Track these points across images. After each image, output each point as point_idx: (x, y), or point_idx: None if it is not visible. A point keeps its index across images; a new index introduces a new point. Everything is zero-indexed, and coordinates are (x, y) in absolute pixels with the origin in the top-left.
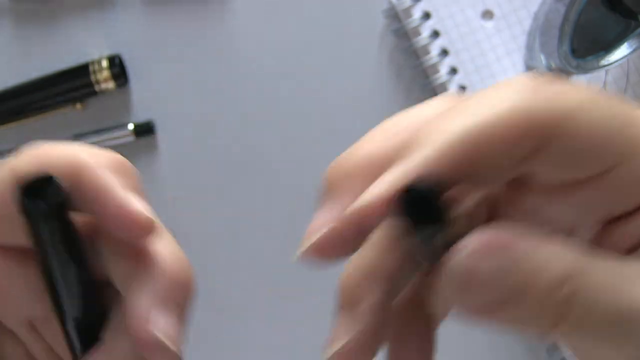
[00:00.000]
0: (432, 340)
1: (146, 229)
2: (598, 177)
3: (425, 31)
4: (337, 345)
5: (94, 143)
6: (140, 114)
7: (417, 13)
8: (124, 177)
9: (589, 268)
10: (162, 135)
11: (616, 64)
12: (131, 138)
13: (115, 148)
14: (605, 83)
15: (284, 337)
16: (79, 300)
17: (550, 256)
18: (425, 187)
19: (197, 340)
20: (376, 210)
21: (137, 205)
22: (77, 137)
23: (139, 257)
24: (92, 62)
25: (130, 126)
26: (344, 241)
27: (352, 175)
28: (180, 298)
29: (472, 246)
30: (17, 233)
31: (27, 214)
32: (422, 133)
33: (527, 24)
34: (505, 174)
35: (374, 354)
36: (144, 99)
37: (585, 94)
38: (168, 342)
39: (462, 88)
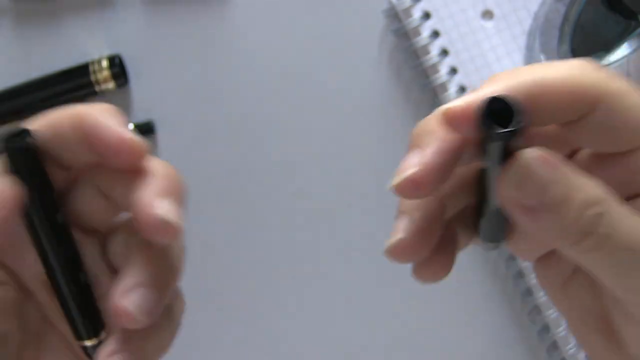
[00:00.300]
0: (454, 260)
1: (142, 151)
2: (628, 155)
3: (425, 31)
4: (407, 173)
5: None
6: (140, 114)
7: (417, 13)
8: (116, 117)
9: (616, 200)
10: (162, 135)
11: (616, 64)
12: None
13: None
14: None
15: (283, 337)
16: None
17: (587, 183)
18: (506, 98)
19: (197, 340)
20: (464, 114)
21: (132, 134)
22: None
23: (137, 174)
24: (92, 62)
25: (130, 126)
26: (437, 170)
27: (434, 129)
28: (176, 191)
29: (533, 154)
30: None
31: (7, 151)
32: (502, 74)
33: (527, 24)
34: (557, 122)
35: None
36: (144, 99)
37: (627, 84)
38: (172, 219)
39: (462, 88)
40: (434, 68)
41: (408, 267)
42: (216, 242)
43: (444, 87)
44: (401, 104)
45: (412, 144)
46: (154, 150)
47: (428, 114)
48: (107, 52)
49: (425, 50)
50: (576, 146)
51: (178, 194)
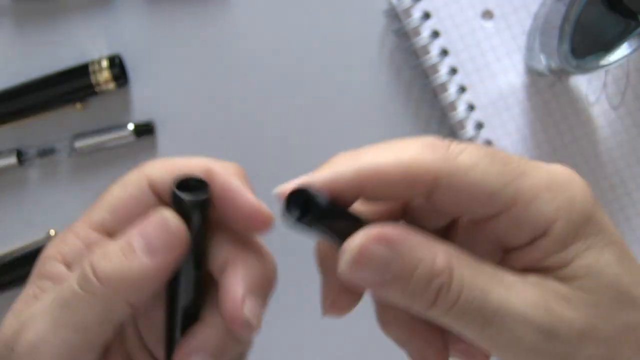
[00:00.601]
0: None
1: (269, 224)
2: (494, 218)
3: (425, 31)
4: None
5: (94, 143)
6: (140, 114)
7: (417, 13)
8: (245, 181)
9: (462, 266)
10: (162, 135)
11: (616, 64)
12: (131, 138)
13: (115, 148)
14: (605, 83)
15: (283, 337)
16: (191, 288)
17: (433, 253)
18: (309, 191)
19: None
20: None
21: (263, 205)
22: (77, 137)
23: (245, 247)
24: (92, 62)
25: (130, 126)
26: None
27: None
28: (266, 289)
29: (367, 233)
30: None
31: (179, 205)
32: (341, 157)
33: (527, 24)
34: (398, 200)
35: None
36: (144, 99)
37: (480, 154)
38: (254, 322)
39: (462, 88)
40: (434, 68)
41: None
42: None
43: (444, 87)
44: (401, 104)
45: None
46: (154, 150)
47: (428, 114)
48: (107, 52)
49: (425, 50)
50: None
51: (268, 290)
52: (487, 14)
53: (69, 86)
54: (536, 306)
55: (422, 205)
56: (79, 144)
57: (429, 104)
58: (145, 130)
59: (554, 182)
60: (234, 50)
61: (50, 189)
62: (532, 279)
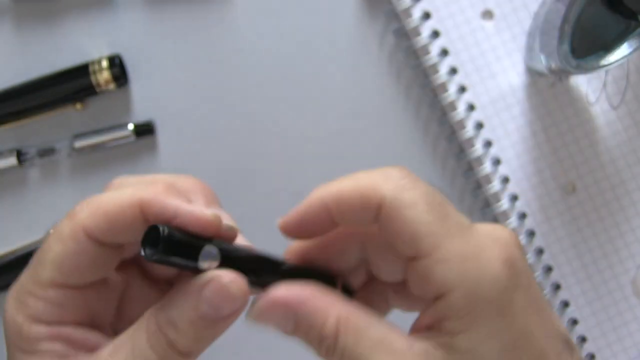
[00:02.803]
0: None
1: (217, 225)
2: (412, 262)
3: (425, 31)
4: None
5: (94, 143)
6: (140, 114)
7: (417, 13)
8: (172, 192)
9: (349, 332)
10: (162, 135)
11: (616, 64)
12: (131, 138)
13: (115, 148)
14: (605, 83)
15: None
16: None
17: (321, 317)
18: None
19: None
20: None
21: (204, 211)
22: (77, 137)
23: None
24: (92, 62)
25: (130, 126)
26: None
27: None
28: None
29: (273, 294)
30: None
31: (153, 260)
32: (312, 192)
33: (527, 24)
34: (358, 222)
35: None
36: (144, 99)
37: (426, 198)
38: (220, 216)
39: (462, 88)
40: (434, 68)
41: None
42: None
43: (444, 87)
44: (401, 104)
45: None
46: (154, 150)
47: (428, 114)
48: (107, 52)
49: (425, 50)
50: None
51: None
52: (487, 14)
53: (69, 86)
54: None
55: (379, 243)
56: (79, 144)
57: (429, 104)
58: (145, 130)
59: (474, 254)
60: (234, 50)
61: (50, 189)
62: (422, 346)
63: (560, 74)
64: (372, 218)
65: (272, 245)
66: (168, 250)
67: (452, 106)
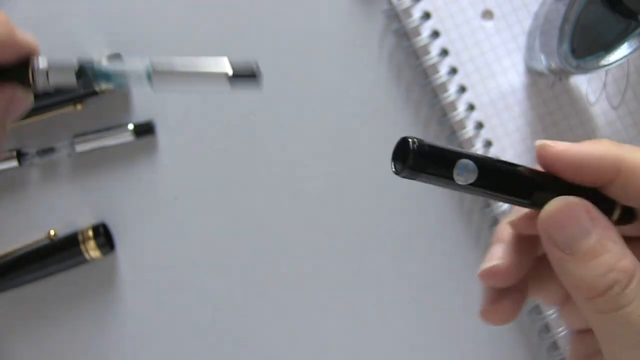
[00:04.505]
0: (521, 307)
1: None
2: None
3: (425, 31)
4: (488, 265)
5: (94, 143)
6: (140, 114)
7: (417, 13)
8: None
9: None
10: (162, 135)
11: (616, 64)
12: (131, 138)
13: (115, 148)
14: (605, 83)
15: (283, 337)
16: None
17: (619, 248)
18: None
19: (196, 339)
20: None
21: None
22: (77, 137)
23: None
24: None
25: (130, 126)
26: (514, 265)
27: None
28: None
29: (579, 200)
30: None
31: (403, 175)
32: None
33: (527, 24)
34: (593, 182)
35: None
36: (144, 99)
37: None
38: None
39: (462, 88)
40: (434, 68)
41: (405, 263)
42: (216, 242)
43: (444, 87)
44: (401, 104)
45: (495, 238)
46: (154, 150)
47: (428, 114)
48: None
49: (425, 50)
50: None
51: None
52: (487, 14)
53: (69, 91)
54: None
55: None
56: (79, 144)
57: (429, 104)
58: (145, 130)
59: None
60: (234, 49)
61: (50, 189)
62: None
63: (560, 74)
64: (608, 179)
65: (272, 245)
66: (419, 163)
67: (452, 106)
